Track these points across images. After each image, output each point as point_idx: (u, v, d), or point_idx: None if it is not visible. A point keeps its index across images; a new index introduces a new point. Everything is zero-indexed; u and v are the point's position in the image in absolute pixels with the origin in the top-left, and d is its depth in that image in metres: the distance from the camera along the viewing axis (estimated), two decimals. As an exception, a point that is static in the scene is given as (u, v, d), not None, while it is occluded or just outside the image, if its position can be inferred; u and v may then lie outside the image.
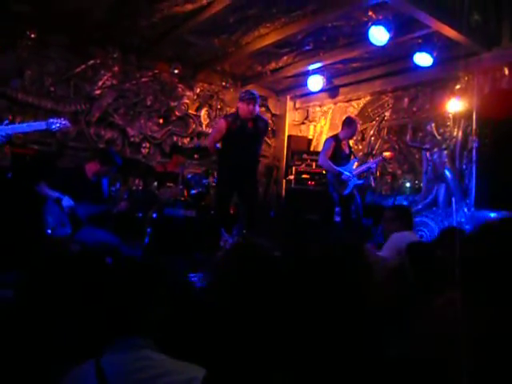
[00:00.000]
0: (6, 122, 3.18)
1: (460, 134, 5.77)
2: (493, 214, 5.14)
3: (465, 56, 5.32)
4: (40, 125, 3.34)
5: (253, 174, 4.72)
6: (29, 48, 5.67)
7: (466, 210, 5.61)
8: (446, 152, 5.88)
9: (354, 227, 5.30)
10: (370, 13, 4.92)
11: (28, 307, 1.63)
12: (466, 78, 5.77)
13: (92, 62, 6.14)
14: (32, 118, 5.70)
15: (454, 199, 5.61)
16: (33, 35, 5.62)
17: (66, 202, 3.73)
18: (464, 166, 5.70)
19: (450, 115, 5.88)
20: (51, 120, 3.32)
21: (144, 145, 6.58)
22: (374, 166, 5.84)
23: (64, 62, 5.95)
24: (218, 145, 4.75)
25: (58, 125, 3.30)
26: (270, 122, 8.15)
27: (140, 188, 5.78)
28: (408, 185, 6.36)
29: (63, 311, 1.57)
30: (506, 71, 5.37)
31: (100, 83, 6.21)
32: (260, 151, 4.91)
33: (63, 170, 4.74)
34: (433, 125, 6.12)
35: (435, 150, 6.00)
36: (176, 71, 6.73)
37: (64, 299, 1.59)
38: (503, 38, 5.30)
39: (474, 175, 5.56)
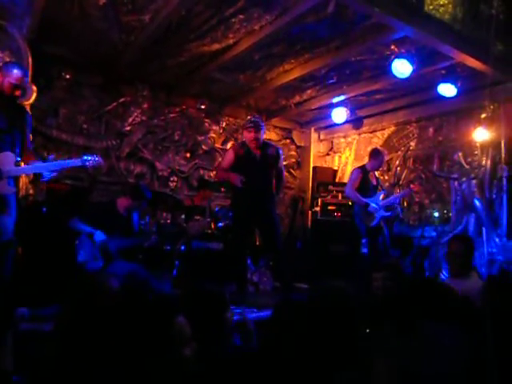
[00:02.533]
0: (51, 157, 3.33)
1: (489, 162, 5.70)
2: (526, 245, 5.01)
3: (490, 85, 5.31)
4: (75, 162, 3.47)
5: (269, 204, 4.49)
6: (64, 88, 5.94)
7: (497, 240, 5.48)
8: (474, 181, 5.80)
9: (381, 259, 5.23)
10: (393, 47, 5.00)
11: (68, 342, 1.67)
12: (492, 107, 5.73)
13: (123, 99, 6.38)
14: (65, 154, 5.93)
15: (484, 229, 5.50)
16: (68, 76, 5.90)
17: (99, 236, 3.83)
18: (494, 196, 5.60)
19: (478, 144, 5.83)
20: (85, 157, 3.44)
21: (172, 178, 6.73)
22: (400, 198, 5.82)
23: (96, 100, 6.21)
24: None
25: (92, 161, 3.42)
26: (294, 153, 8.26)
27: (168, 221, 5.87)
28: (436, 214, 6.27)
29: (103, 347, 1.61)
30: (533, 99, 5.34)
31: (130, 120, 6.43)
32: (278, 182, 4.63)
33: (95, 205, 4.87)
34: (460, 154, 6.07)
35: (464, 179, 5.93)
36: (203, 106, 6.93)
37: (104, 335, 1.63)
38: (528, 67, 5.28)
39: (504, 204, 5.45)
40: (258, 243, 5.81)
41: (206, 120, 7.17)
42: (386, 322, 1.77)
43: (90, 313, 1.76)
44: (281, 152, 4.67)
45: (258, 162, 4.42)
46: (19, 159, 3.24)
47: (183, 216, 5.69)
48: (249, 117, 4.69)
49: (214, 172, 7.04)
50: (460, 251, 3.27)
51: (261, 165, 4.43)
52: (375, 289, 2.97)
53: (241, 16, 4.55)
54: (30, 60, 4.15)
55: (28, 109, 3.81)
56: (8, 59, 3.94)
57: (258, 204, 4.35)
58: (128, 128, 6.41)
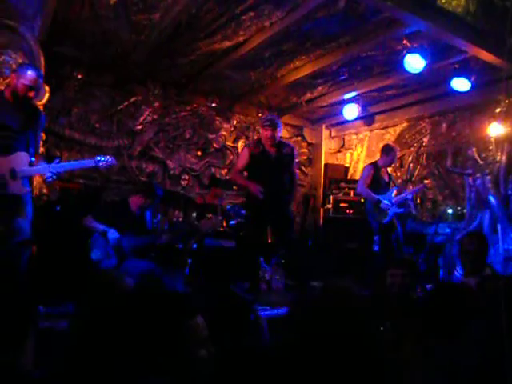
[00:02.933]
0: (57, 160, 3.34)
1: (504, 158, 5.61)
2: (543, 241, 4.93)
3: (505, 79, 5.22)
4: (88, 162, 3.49)
5: (283, 203, 4.45)
6: (76, 88, 5.99)
7: (512, 236, 5.40)
8: (489, 177, 5.72)
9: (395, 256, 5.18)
10: (405, 41, 4.94)
11: (83, 340, 1.68)
12: (507, 101, 5.64)
13: (134, 98, 6.42)
14: (77, 153, 5.99)
15: (499, 226, 5.42)
16: (79, 76, 5.96)
17: (112, 234, 3.85)
18: (509, 192, 5.51)
19: (492, 139, 5.75)
20: (98, 158, 3.45)
21: (183, 177, 6.75)
22: (413, 194, 5.77)
23: (108, 99, 6.25)
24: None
25: (104, 162, 3.44)
26: (305, 150, 8.22)
27: (180, 219, 5.89)
28: (450, 211, 6.20)
29: (117, 345, 1.62)
30: (549, 93, 5.25)
31: (141, 119, 6.46)
32: (289, 179, 4.54)
33: (108, 204, 4.91)
34: (474, 149, 6.00)
35: (478, 175, 5.85)
36: (213, 104, 6.95)
37: (119, 334, 1.64)
38: (544, 60, 5.19)
39: (520, 200, 5.38)
40: (270, 241, 5.79)
41: (217, 118, 7.18)
42: (428, 325, 1.73)
43: (105, 311, 1.77)
44: (295, 152, 4.63)
45: (273, 161, 4.38)
46: (33, 159, 3.27)
47: (195, 214, 5.71)
48: (265, 114, 4.63)
49: (229, 173, 7.05)
50: (473, 249, 3.22)
51: (276, 163, 4.39)
52: (390, 285, 2.94)
53: (251, 13, 4.54)
54: (42, 61, 4.19)
55: (41, 109, 3.84)
56: (21, 60, 3.98)
57: (272, 203, 4.29)
58: (139, 127, 6.44)
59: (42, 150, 3.81)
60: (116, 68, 5.98)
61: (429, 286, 3.78)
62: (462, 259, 3.31)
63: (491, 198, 5.64)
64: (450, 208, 6.21)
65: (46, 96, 4.23)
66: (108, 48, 5.39)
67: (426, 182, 5.70)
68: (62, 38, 5.12)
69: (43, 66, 4.17)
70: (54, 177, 3.25)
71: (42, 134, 3.76)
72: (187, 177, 6.80)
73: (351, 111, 6.76)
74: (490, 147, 5.82)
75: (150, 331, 1.63)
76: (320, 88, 6.59)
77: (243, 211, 5.62)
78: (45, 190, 4.65)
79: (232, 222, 5.39)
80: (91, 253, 3.87)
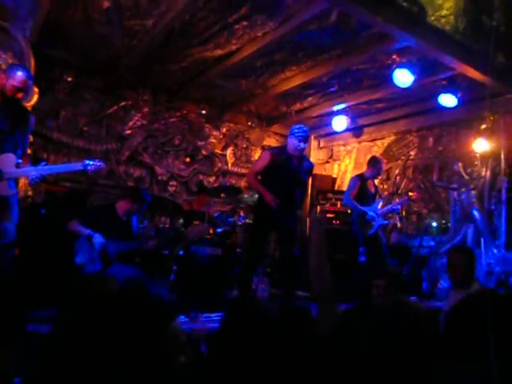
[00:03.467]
0: (44, 163, 3.31)
1: (488, 173, 5.71)
2: (524, 256, 5.01)
3: (490, 96, 5.33)
4: (77, 166, 3.46)
5: (293, 215, 4.34)
6: (65, 90, 5.96)
7: (495, 251, 5.48)
8: (474, 192, 5.81)
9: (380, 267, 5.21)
10: (395, 56, 5.03)
11: (66, 343, 1.66)
12: (492, 118, 5.76)
13: (124, 103, 6.40)
14: (65, 156, 5.94)
15: (483, 240, 5.50)
16: (69, 79, 5.92)
17: (98, 239, 3.79)
18: (493, 207, 5.61)
19: (478, 155, 5.84)
20: (87, 161, 3.42)
21: (171, 183, 6.73)
22: (399, 206, 5.82)
23: (97, 103, 6.23)
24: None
25: (93, 166, 3.41)
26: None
27: (167, 226, 5.86)
28: (434, 224, 6.27)
29: (100, 349, 1.60)
30: (533, 111, 5.37)
31: (131, 123, 6.44)
32: (301, 194, 4.46)
33: (95, 208, 4.86)
34: (460, 164, 6.09)
35: (463, 189, 5.95)
36: (203, 112, 6.96)
37: (101, 338, 1.62)
38: (529, 79, 5.32)
39: (503, 216, 5.46)
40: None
41: (207, 125, 7.19)
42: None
43: (89, 315, 1.75)
44: (313, 168, 4.58)
45: (293, 173, 4.26)
46: (20, 161, 3.24)
47: (182, 221, 5.69)
48: (298, 124, 4.49)
49: (217, 181, 7.04)
50: (462, 263, 3.25)
51: (295, 176, 4.28)
52: (375, 296, 2.96)
53: (244, 22, 4.57)
54: (32, 62, 4.17)
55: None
56: (11, 61, 3.96)
57: (283, 214, 4.16)
58: (128, 132, 6.42)
59: (29, 151, 3.77)
60: (107, 72, 5.96)
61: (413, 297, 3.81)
62: (451, 273, 3.33)
63: (475, 213, 5.73)
64: (435, 221, 6.28)
65: (35, 98, 4.19)
66: (100, 52, 5.38)
67: (410, 193, 5.74)
68: (54, 41, 5.10)
69: (33, 68, 4.15)
70: (37, 180, 3.20)
71: (30, 136, 3.73)
72: (175, 183, 6.78)
73: (340, 123, 6.82)
74: (476, 162, 5.92)
75: (132, 336, 1.62)
76: (310, 99, 6.65)
77: (231, 219, 5.63)
78: (30, 193, 4.60)
79: (219, 230, 5.38)
80: (76, 257, 3.82)
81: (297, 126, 4.35)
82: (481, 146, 5.70)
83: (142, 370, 1.57)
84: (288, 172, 4.23)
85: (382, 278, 3.02)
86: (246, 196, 6.12)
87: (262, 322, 1.58)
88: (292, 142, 4.27)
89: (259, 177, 4.37)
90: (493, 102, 5.51)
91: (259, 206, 4.34)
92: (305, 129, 4.32)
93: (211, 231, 5.34)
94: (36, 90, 4.16)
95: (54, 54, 5.47)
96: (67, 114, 6.01)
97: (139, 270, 3.92)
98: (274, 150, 4.54)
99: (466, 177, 6.00)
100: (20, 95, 3.23)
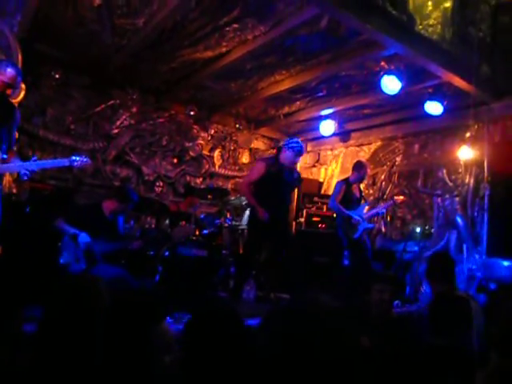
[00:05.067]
0: (34, 158, 3.28)
1: (472, 181, 5.81)
2: (506, 263, 5.10)
3: (475, 105, 5.43)
4: (63, 161, 3.44)
5: (286, 223, 4.67)
6: (52, 87, 5.89)
7: (477, 257, 5.58)
8: (457, 199, 5.91)
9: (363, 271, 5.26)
10: (383, 63, 5.11)
11: (50, 343, 1.65)
12: (476, 127, 5.87)
13: (112, 102, 6.36)
14: (51, 154, 5.87)
15: (465, 246, 5.59)
16: (57, 75, 5.86)
17: (83, 238, 3.75)
18: (476, 214, 5.71)
19: (462, 162, 5.94)
20: (73, 157, 3.41)
21: (158, 183, 6.70)
22: (384, 210, 5.89)
23: (85, 101, 6.17)
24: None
25: (79, 162, 3.39)
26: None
27: (153, 226, 5.83)
28: (418, 230, 6.35)
29: (84, 349, 1.60)
30: (516, 120, 5.48)
31: (118, 123, 6.40)
32: (289, 201, 4.84)
33: (81, 207, 4.81)
34: (444, 171, 6.19)
35: (447, 196, 6.04)
36: (192, 113, 6.94)
37: (86, 338, 1.62)
38: (513, 89, 5.43)
39: (485, 223, 5.56)
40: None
41: (195, 126, 7.18)
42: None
43: (74, 315, 1.74)
44: (300, 179, 4.86)
45: (286, 184, 4.44)
46: (5, 157, 3.20)
47: (168, 221, 5.66)
48: (293, 137, 4.74)
49: (204, 182, 7.03)
50: (441, 268, 3.31)
51: (288, 187, 4.50)
52: (372, 301, 2.98)
53: (235, 25, 4.59)
54: (19, 57, 4.11)
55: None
56: (-2, 56, 3.90)
57: (276, 223, 4.34)
58: (116, 131, 6.38)
59: (14, 148, 3.72)
60: (95, 70, 5.92)
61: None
62: (430, 278, 3.38)
63: (458, 219, 5.82)
64: (419, 227, 6.36)
65: (22, 94, 4.14)
66: (89, 49, 5.33)
67: (395, 197, 5.81)
68: (43, 37, 5.05)
69: (20, 63, 4.10)
70: (29, 174, 3.18)
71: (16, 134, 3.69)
72: (161, 184, 6.75)
73: (328, 127, 6.88)
74: (460, 170, 6.02)
75: (118, 336, 1.62)
76: (298, 103, 6.69)
77: (217, 221, 5.63)
78: (14, 190, 4.54)
79: (205, 231, 5.37)
80: (60, 256, 3.77)
81: (294, 140, 4.51)
82: (465, 153, 5.79)
83: (128, 369, 1.57)
84: (281, 182, 4.38)
85: (378, 282, 3.04)
86: (232, 198, 6.14)
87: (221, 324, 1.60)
88: (288, 155, 4.39)
89: (251, 186, 4.50)
90: (477, 110, 5.61)
91: (252, 218, 4.51)
92: (301, 143, 4.52)
93: (197, 232, 5.32)
94: (23, 86, 4.11)
95: (43, 49, 5.40)
96: (54, 112, 5.94)
97: (124, 270, 3.90)
98: (268, 160, 4.63)
99: (450, 184, 6.10)
100: (9, 91, 3.19)
